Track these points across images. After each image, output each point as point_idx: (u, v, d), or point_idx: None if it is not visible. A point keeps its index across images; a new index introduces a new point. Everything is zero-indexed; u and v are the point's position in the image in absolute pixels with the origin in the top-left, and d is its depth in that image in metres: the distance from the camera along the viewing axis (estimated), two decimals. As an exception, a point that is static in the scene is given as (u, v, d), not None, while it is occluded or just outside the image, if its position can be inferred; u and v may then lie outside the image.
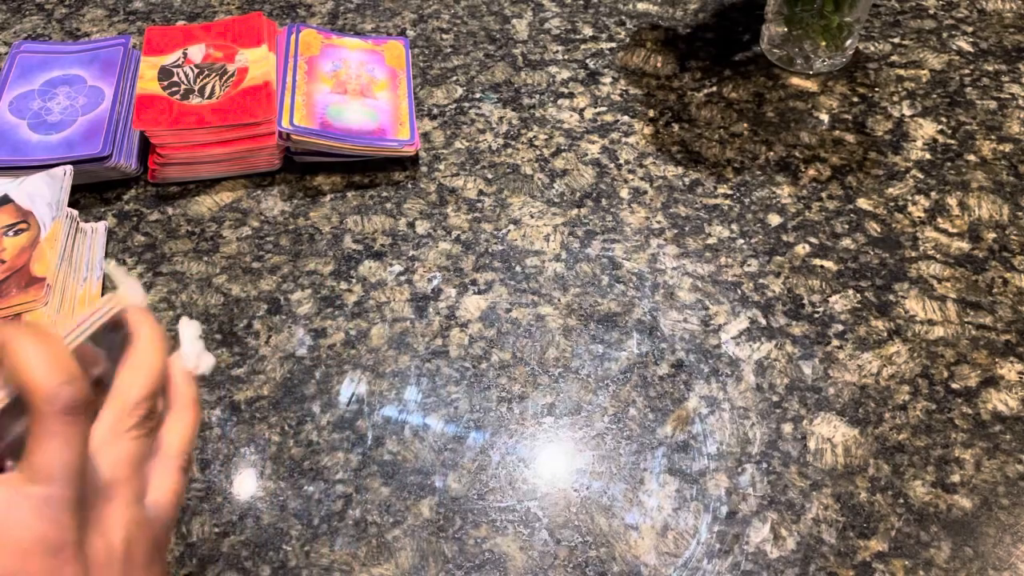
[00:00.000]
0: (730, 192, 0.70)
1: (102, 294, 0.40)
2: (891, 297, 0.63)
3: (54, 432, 0.30)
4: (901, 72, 0.79)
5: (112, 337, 0.37)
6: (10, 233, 0.62)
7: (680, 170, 0.72)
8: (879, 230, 0.67)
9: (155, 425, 0.36)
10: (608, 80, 0.79)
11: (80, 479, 0.31)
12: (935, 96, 0.77)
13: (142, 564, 0.33)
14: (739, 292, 0.63)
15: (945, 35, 0.83)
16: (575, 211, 0.69)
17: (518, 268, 0.65)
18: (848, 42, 0.78)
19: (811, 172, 0.71)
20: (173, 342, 0.38)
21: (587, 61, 0.81)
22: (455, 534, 0.52)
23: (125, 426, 0.34)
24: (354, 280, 0.65)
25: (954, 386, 0.58)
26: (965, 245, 0.66)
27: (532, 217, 0.69)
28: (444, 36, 0.84)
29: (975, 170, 0.71)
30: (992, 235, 0.67)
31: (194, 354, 0.40)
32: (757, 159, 0.72)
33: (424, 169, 0.72)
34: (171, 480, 0.36)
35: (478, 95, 0.78)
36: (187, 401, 0.38)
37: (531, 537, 0.51)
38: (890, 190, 0.70)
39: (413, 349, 0.60)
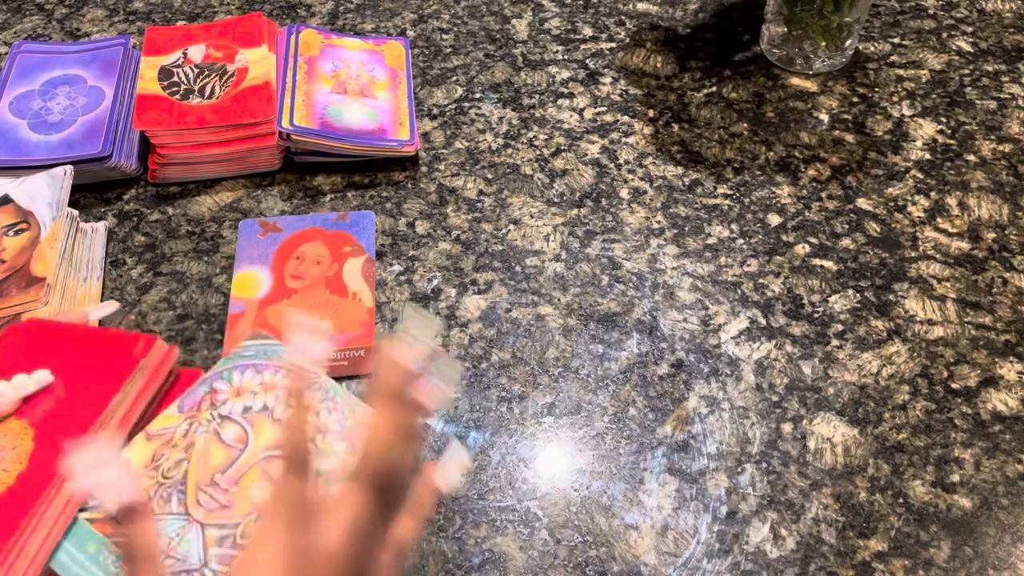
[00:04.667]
0: (730, 192, 0.70)
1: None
2: (891, 297, 0.63)
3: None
4: (901, 72, 0.79)
5: None
6: (10, 233, 0.62)
7: (680, 170, 0.72)
8: (879, 230, 0.67)
9: None
10: (608, 80, 0.79)
11: None
12: (935, 96, 0.77)
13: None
14: (739, 292, 0.63)
15: (945, 35, 0.83)
16: (575, 211, 0.69)
17: (518, 268, 0.65)
18: (848, 42, 0.78)
19: (811, 172, 0.71)
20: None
21: (587, 61, 0.81)
22: (455, 534, 0.52)
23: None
24: (354, 280, 0.65)
25: (954, 386, 0.58)
26: (965, 245, 0.66)
27: (532, 217, 0.69)
28: (444, 36, 0.84)
29: (975, 170, 0.71)
30: (992, 235, 0.67)
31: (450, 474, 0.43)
32: (757, 159, 0.72)
33: (424, 169, 0.72)
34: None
35: (478, 95, 0.78)
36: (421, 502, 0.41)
37: (531, 537, 0.51)
38: (890, 190, 0.70)
39: (413, 349, 0.60)
